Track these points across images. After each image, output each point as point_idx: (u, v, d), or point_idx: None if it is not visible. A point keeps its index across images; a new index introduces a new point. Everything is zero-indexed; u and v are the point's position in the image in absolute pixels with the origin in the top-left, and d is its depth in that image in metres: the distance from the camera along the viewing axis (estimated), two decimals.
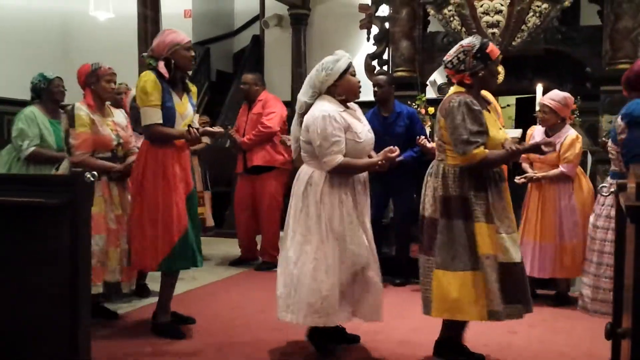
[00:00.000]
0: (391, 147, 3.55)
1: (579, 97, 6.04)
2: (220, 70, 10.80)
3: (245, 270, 6.16)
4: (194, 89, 4.17)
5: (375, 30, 7.25)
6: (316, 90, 3.55)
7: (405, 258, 5.66)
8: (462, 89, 3.41)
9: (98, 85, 4.19)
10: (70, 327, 2.42)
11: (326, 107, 3.46)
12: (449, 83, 5.71)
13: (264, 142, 6.14)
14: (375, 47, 7.23)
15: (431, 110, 6.53)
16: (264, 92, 6.38)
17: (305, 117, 3.53)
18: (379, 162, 3.50)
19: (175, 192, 3.89)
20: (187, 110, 4.00)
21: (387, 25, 7.12)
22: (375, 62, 7.16)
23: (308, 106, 3.56)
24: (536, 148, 3.43)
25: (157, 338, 3.93)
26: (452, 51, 3.43)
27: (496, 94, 5.52)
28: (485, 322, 4.22)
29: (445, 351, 3.58)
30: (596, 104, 6.18)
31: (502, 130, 3.52)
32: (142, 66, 6.89)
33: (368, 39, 7.35)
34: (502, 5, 5.83)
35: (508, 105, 11.13)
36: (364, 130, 3.58)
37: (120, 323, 4.29)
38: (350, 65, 3.56)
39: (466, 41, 3.42)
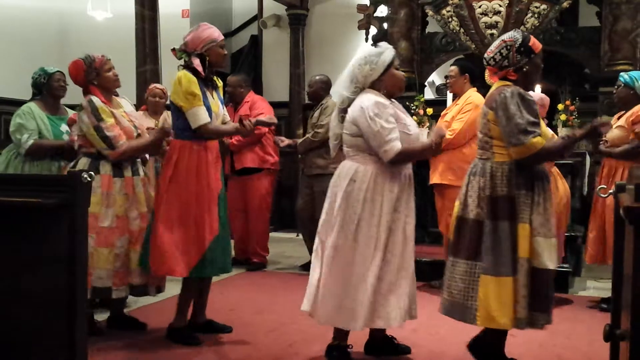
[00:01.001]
0: (441, 126, 3.45)
1: (577, 98, 6.05)
2: (218, 71, 10.80)
3: (241, 272, 6.16)
4: (219, 83, 4.06)
5: (373, 30, 7.27)
6: (359, 85, 3.42)
7: None
8: (506, 83, 3.27)
9: (100, 78, 3.94)
10: (67, 330, 2.40)
11: (373, 97, 3.34)
12: (446, 84, 5.74)
13: (253, 143, 6.12)
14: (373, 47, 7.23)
15: (430, 111, 6.53)
16: (250, 94, 6.38)
17: (351, 110, 3.39)
18: (434, 143, 3.35)
19: (209, 193, 3.78)
20: (219, 108, 3.92)
21: (385, 25, 7.13)
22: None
23: (350, 101, 3.43)
24: (594, 131, 3.25)
25: (155, 340, 3.91)
26: (494, 47, 3.30)
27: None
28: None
29: (480, 354, 3.42)
30: (595, 105, 6.20)
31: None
32: (140, 66, 6.91)
33: (366, 40, 7.36)
34: (500, 6, 5.83)
35: None
36: (412, 123, 3.49)
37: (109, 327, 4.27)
38: (394, 59, 3.44)
39: (507, 36, 3.29)
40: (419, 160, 5.99)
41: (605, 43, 6.08)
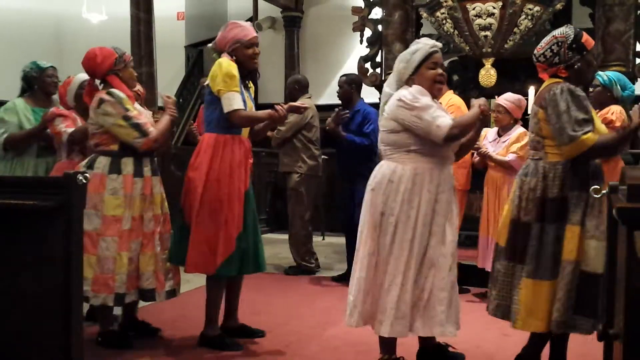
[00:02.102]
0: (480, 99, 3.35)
1: None
2: None
3: None
4: (252, 86, 3.98)
5: (368, 32, 7.27)
6: (399, 82, 3.34)
7: None
8: (556, 81, 3.17)
9: (126, 71, 3.81)
10: (63, 332, 2.40)
11: (410, 89, 3.25)
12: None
13: None
14: (368, 50, 7.25)
15: None
16: None
17: (387, 107, 3.31)
18: (481, 107, 3.24)
19: (239, 190, 3.70)
20: (252, 106, 3.84)
21: (380, 27, 7.14)
22: (368, 65, 7.17)
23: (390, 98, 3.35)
24: None
25: (152, 341, 3.91)
26: (544, 43, 3.19)
27: (489, 97, 5.55)
28: (480, 324, 4.25)
29: None
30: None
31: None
32: (135, 69, 6.90)
33: (361, 42, 7.36)
34: (494, 8, 5.85)
35: None
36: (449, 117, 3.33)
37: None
38: (429, 56, 3.30)
39: (559, 32, 3.18)
40: None
41: (598, 45, 6.09)
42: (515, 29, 5.91)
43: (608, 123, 4.59)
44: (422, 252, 3.21)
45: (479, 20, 5.93)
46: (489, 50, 5.99)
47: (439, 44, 3.39)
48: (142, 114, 3.76)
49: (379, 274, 3.24)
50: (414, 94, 3.20)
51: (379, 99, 7.06)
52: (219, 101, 3.66)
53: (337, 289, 5.46)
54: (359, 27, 7.29)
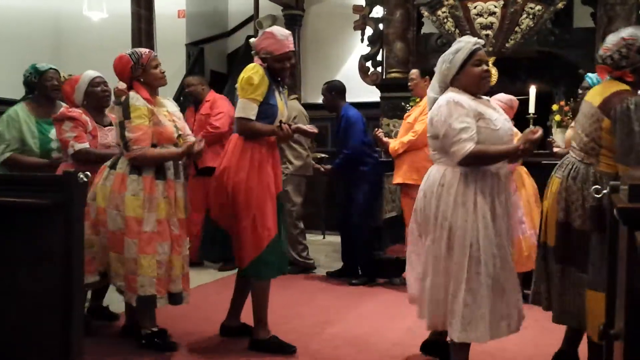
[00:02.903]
0: (532, 128, 3.23)
1: (572, 99, 6.06)
2: (214, 71, 10.79)
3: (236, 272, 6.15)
4: (286, 91, 3.98)
5: (369, 31, 7.27)
6: (442, 85, 3.25)
7: (362, 259, 5.77)
8: (623, 87, 3.05)
9: (146, 74, 3.72)
10: (62, 330, 2.40)
11: (452, 95, 3.13)
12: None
13: (214, 142, 6.07)
14: (369, 49, 7.25)
15: None
16: (210, 93, 6.36)
17: (430, 112, 3.24)
18: (521, 147, 3.06)
19: (269, 193, 3.66)
20: (285, 109, 3.83)
21: (381, 26, 7.14)
22: (369, 63, 7.18)
23: (435, 102, 3.26)
24: None
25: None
26: (611, 44, 3.08)
27: (490, 96, 5.55)
28: None
29: None
30: None
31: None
32: None
33: (362, 40, 7.37)
34: (495, 7, 5.85)
35: None
36: (499, 117, 3.20)
37: (113, 325, 4.26)
38: (473, 54, 3.18)
39: (627, 33, 3.05)
40: None
41: (599, 44, 6.09)
42: (517, 28, 5.91)
43: None
44: (478, 256, 3.06)
45: (480, 19, 5.93)
46: (490, 49, 5.99)
47: (481, 41, 3.28)
48: (159, 124, 3.65)
49: (442, 277, 3.14)
50: (449, 109, 3.07)
51: (380, 97, 7.09)
52: None
53: (336, 288, 5.46)
54: (360, 26, 7.29)
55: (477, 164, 3.09)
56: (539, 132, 3.08)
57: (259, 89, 3.61)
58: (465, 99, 3.11)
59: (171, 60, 9.25)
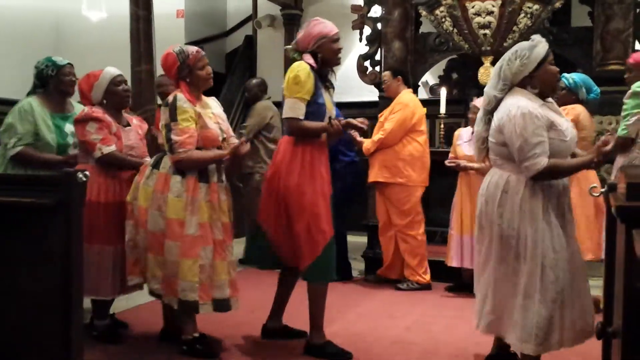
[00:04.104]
0: (604, 137, 3.08)
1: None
2: (212, 71, 10.81)
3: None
4: (333, 85, 3.84)
5: (367, 31, 7.27)
6: (507, 83, 3.07)
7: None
8: None
9: (192, 75, 3.61)
10: (63, 331, 2.40)
11: (523, 103, 2.97)
12: (441, 84, 5.80)
13: None
14: (367, 48, 7.24)
15: (424, 110, 6.55)
16: None
17: (497, 115, 3.07)
18: (595, 160, 3.00)
19: (322, 195, 3.55)
20: (333, 108, 3.72)
21: (379, 26, 7.13)
22: (367, 63, 7.17)
23: (498, 101, 3.10)
24: None
25: (150, 340, 3.91)
26: None
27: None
28: None
29: None
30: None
31: None
32: (135, 67, 6.91)
33: (360, 40, 7.36)
34: (493, 6, 5.85)
35: None
36: (568, 126, 3.08)
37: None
38: (549, 53, 3.06)
39: None
40: None
41: (597, 43, 6.09)
42: (515, 28, 5.91)
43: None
44: (546, 263, 2.95)
45: (478, 19, 5.92)
46: (488, 48, 5.99)
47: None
48: (204, 126, 3.54)
49: (507, 286, 3.05)
50: (525, 122, 2.94)
51: (379, 97, 7.08)
52: None
53: (336, 287, 5.45)
54: (358, 25, 7.28)
55: (550, 178, 3.01)
56: (611, 143, 3.03)
57: (306, 86, 3.50)
58: (537, 107, 2.98)
59: None
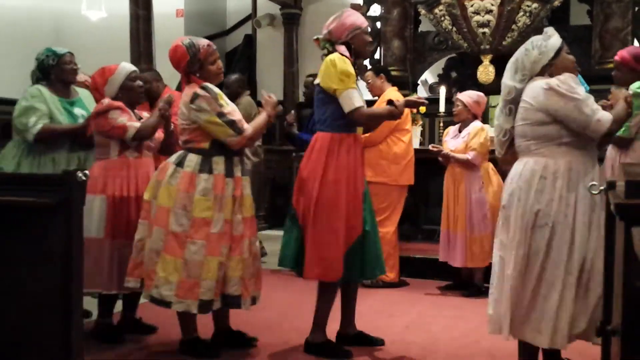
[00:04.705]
0: (625, 94, 3.10)
1: None
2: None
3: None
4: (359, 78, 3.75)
5: None
6: (526, 73, 3.03)
7: None
8: None
9: (203, 71, 3.51)
10: (63, 331, 2.40)
11: (552, 79, 2.94)
12: (440, 82, 5.81)
13: (177, 140, 6.03)
14: None
15: (423, 109, 6.55)
16: (167, 89, 6.37)
17: (530, 98, 2.97)
18: (628, 100, 3.00)
19: (355, 192, 3.47)
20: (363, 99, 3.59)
21: (378, 24, 7.14)
22: (367, 62, 7.18)
23: (518, 92, 3.04)
24: None
25: (148, 339, 3.91)
26: None
27: (487, 93, 5.57)
28: (479, 319, 4.27)
29: None
30: None
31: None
32: (135, 65, 6.91)
33: None
34: (492, 5, 5.86)
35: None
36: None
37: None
38: (564, 43, 3.06)
39: None
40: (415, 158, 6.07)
41: (596, 41, 6.11)
42: (513, 26, 5.93)
43: None
44: (582, 255, 2.88)
45: (477, 17, 5.94)
46: (487, 47, 6.00)
47: None
48: (235, 110, 3.50)
49: (532, 279, 2.94)
50: (570, 83, 2.90)
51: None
52: (333, 99, 3.46)
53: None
54: None
55: (617, 129, 3.00)
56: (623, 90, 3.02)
57: (352, 77, 3.43)
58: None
59: (169, 60, 9.24)
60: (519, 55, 3.10)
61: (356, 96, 3.41)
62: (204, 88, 3.40)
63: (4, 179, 2.81)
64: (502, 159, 3.27)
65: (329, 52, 3.52)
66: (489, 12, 5.88)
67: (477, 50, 6.14)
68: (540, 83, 2.96)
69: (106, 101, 3.74)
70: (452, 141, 5.17)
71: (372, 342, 3.75)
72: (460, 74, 9.29)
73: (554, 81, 2.92)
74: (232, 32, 10.98)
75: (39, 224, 2.42)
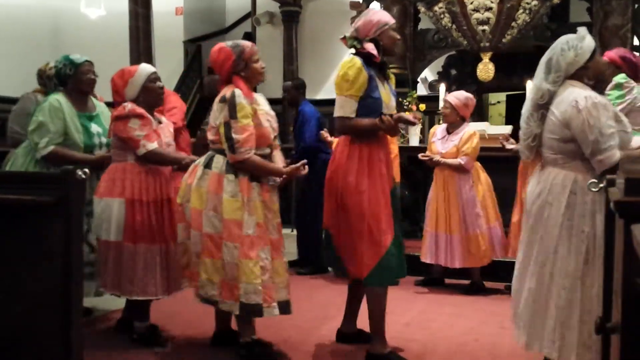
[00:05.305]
0: None
1: None
2: (211, 68, 10.81)
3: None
4: (392, 76, 3.71)
5: None
6: (561, 74, 2.91)
7: (313, 253, 5.85)
8: None
9: (248, 69, 3.47)
10: (62, 329, 2.40)
11: (589, 93, 2.82)
12: (440, 80, 5.81)
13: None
14: None
15: (422, 107, 6.56)
16: (163, 89, 6.36)
17: (559, 109, 2.86)
18: None
19: (382, 194, 3.39)
20: (391, 100, 3.53)
21: None
22: None
23: (551, 94, 2.91)
24: None
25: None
26: None
27: (487, 91, 5.56)
28: (478, 317, 4.27)
29: None
30: None
31: None
32: (134, 64, 6.91)
33: None
34: (492, 2, 5.86)
35: (498, 102, 11.18)
36: (625, 118, 2.93)
37: (105, 325, 4.26)
38: (596, 45, 2.97)
39: None
40: (410, 156, 6.08)
41: (595, 39, 6.07)
42: (513, 24, 5.92)
43: None
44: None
45: (476, 15, 5.93)
46: (487, 44, 6.00)
47: None
48: (259, 125, 3.39)
49: (571, 292, 2.83)
50: (598, 112, 2.77)
51: None
52: None
53: (336, 285, 5.46)
54: None
55: (612, 172, 2.81)
56: None
57: (356, 84, 3.35)
58: (602, 99, 2.86)
59: (169, 57, 9.24)
60: (553, 54, 2.97)
61: (346, 105, 3.37)
62: (232, 94, 3.35)
63: (3, 178, 2.81)
64: (530, 163, 3.12)
65: (357, 50, 3.44)
66: (489, 9, 5.87)
67: (476, 47, 6.13)
68: (571, 98, 2.83)
69: (129, 106, 3.66)
70: (441, 143, 5.13)
71: (369, 339, 3.65)
72: (460, 72, 9.32)
73: (582, 102, 2.79)
74: (231, 30, 10.98)
75: (38, 223, 2.41)
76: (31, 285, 2.45)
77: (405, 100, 6.45)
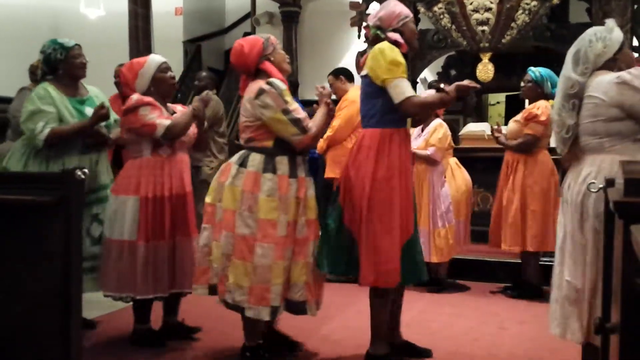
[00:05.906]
0: None
1: None
2: (211, 68, 10.80)
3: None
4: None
5: None
6: (589, 66, 2.89)
7: None
8: None
9: (277, 53, 3.42)
10: (62, 329, 2.40)
11: (620, 72, 2.81)
12: (440, 80, 5.82)
13: None
14: (365, 45, 7.25)
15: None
16: None
17: (600, 93, 2.82)
18: None
19: (407, 190, 3.29)
20: None
21: None
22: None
23: (581, 85, 2.88)
24: None
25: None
26: None
27: (486, 91, 5.57)
28: (477, 317, 4.27)
29: None
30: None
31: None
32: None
33: (359, 37, 7.36)
34: (491, 2, 5.86)
35: (498, 103, 11.20)
36: None
37: (105, 326, 4.27)
38: (624, 38, 2.92)
39: None
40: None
41: None
42: (513, 24, 5.93)
43: (533, 117, 4.78)
44: None
45: (476, 15, 5.93)
46: (487, 45, 6.00)
47: None
48: (299, 108, 3.34)
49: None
50: (638, 76, 2.74)
51: None
52: (382, 92, 3.27)
53: (336, 285, 5.47)
54: (356, 22, 7.29)
55: None
56: None
57: (402, 64, 3.25)
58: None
59: (168, 57, 9.20)
60: (580, 46, 2.94)
61: (406, 85, 3.23)
62: (269, 83, 3.26)
63: (2, 178, 2.81)
64: (566, 157, 3.06)
65: (378, 40, 3.35)
66: (488, 10, 5.88)
67: (476, 48, 6.14)
68: (609, 77, 2.82)
69: (135, 97, 3.59)
70: (415, 141, 5.12)
71: (420, 354, 3.58)
72: (460, 72, 9.32)
73: (626, 75, 2.77)
74: (231, 31, 10.98)
75: (38, 223, 2.41)
76: (31, 285, 2.44)
77: None
